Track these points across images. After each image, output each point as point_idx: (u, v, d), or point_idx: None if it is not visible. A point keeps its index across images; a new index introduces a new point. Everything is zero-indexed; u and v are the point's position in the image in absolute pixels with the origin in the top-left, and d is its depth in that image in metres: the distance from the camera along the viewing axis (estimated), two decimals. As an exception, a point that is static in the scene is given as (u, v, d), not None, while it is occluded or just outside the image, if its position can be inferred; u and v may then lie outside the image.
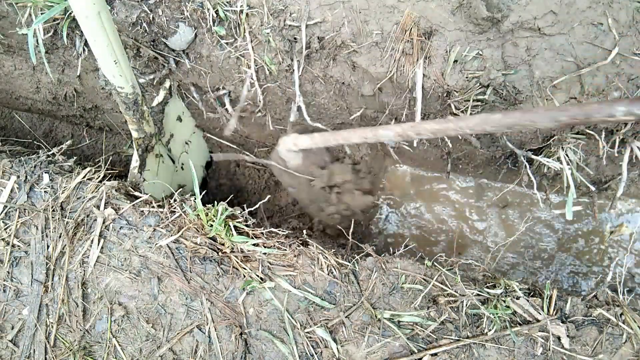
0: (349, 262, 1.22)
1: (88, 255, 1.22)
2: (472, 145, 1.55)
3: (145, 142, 1.48)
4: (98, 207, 1.27)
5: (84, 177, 1.34)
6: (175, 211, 1.29)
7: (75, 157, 1.45)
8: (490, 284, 1.24)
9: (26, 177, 1.32)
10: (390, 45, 1.32)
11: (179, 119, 1.75)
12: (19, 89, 1.89)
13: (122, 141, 2.18)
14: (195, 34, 1.42)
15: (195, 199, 1.24)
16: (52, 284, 1.21)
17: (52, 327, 1.18)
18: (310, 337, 1.12)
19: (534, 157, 1.43)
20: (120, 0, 1.33)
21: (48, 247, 1.23)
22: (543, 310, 1.13)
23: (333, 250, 1.28)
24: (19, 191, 1.30)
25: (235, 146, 1.90)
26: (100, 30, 1.03)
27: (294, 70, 1.43)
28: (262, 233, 1.26)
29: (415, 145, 1.54)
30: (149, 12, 1.35)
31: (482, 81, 1.29)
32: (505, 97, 1.32)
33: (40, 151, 1.40)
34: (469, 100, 1.33)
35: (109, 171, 1.41)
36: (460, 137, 1.53)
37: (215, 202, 1.26)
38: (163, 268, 1.20)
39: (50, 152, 1.42)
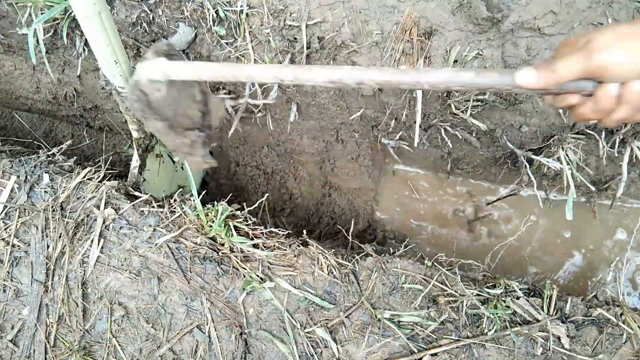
0: (349, 262, 1.22)
1: (88, 255, 1.22)
2: (472, 145, 1.55)
3: (145, 142, 1.48)
4: (98, 207, 1.27)
5: (84, 177, 1.34)
6: (175, 211, 1.29)
7: (75, 157, 1.45)
8: (490, 284, 1.24)
9: (26, 177, 1.32)
10: (390, 45, 1.32)
11: (179, 119, 1.75)
12: (19, 89, 1.89)
13: (122, 141, 2.18)
14: (195, 34, 1.42)
15: (194, 199, 1.24)
16: (52, 284, 1.21)
17: (52, 327, 1.19)
18: (310, 337, 1.12)
19: (534, 157, 1.43)
20: (120, 0, 1.33)
21: (48, 247, 1.23)
22: (543, 310, 1.13)
23: (333, 251, 1.28)
24: (19, 191, 1.30)
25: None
26: (101, 30, 1.02)
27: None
28: (262, 233, 1.26)
29: (415, 145, 1.54)
30: (149, 12, 1.35)
31: (482, 81, 1.29)
32: (506, 97, 1.32)
33: (40, 151, 1.40)
34: (469, 100, 1.34)
35: (109, 171, 1.41)
36: (461, 137, 1.53)
37: (215, 202, 1.27)
38: (163, 268, 1.20)
39: (50, 152, 1.42)
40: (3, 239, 1.25)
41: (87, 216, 1.26)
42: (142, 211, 1.27)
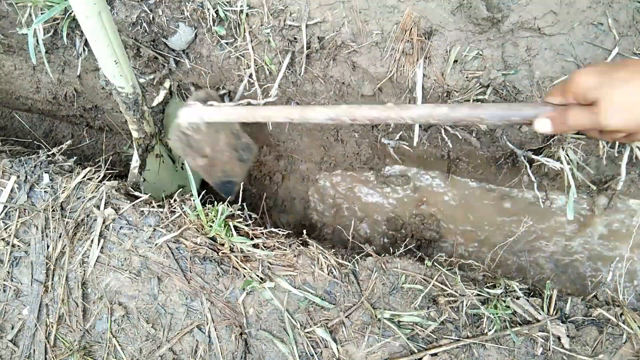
0: (349, 262, 1.22)
1: (88, 255, 1.22)
2: (472, 145, 1.55)
3: (145, 142, 1.48)
4: (98, 207, 1.27)
5: (84, 177, 1.34)
6: (175, 211, 1.29)
7: (75, 157, 1.45)
8: (490, 284, 1.24)
9: (26, 177, 1.32)
10: (390, 45, 1.32)
11: (179, 119, 1.75)
12: (19, 89, 1.89)
13: (122, 141, 2.18)
14: (195, 34, 1.42)
15: (194, 199, 1.24)
16: (52, 284, 1.21)
17: (52, 327, 1.19)
18: (310, 337, 1.12)
19: (534, 157, 1.43)
20: (120, 0, 1.33)
21: (48, 247, 1.23)
22: (543, 310, 1.13)
23: (333, 251, 1.28)
24: (19, 191, 1.30)
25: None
26: (101, 30, 1.03)
27: (284, 62, 1.43)
28: (262, 233, 1.26)
29: (415, 145, 1.54)
30: (149, 12, 1.35)
31: (482, 81, 1.29)
32: (506, 97, 1.32)
33: (40, 151, 1.40)
34: (469, 101, 1.33)
35: (109, 171, 1.41)
36: (461, 137, 1.53)
37: (215, 201, 1.27)
38: (163, 268, 1.20)
39: (50, 152, 1.42)
40: (3, 239, 1.25)
41: (87, 216, 1.26)
42: (142, 211, 1.27)
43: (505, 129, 1.46)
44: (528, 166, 1.45)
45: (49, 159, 1.39)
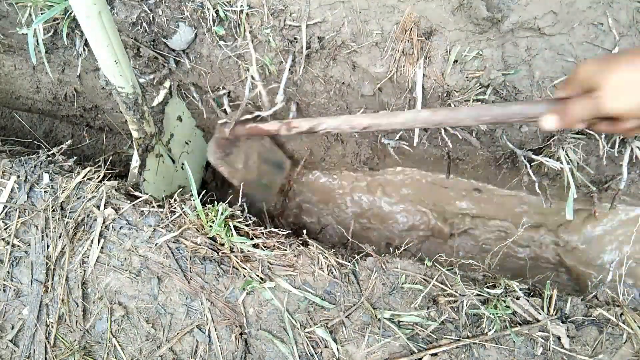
0: (349, 262, 1.22)
1: (88, 255, 1.22)
2: (472, 145, 1.55)
3: (145, 142, 1.48)
4: (98, 207, 1.27)
5: (84, 177, 1.34)
6: (175, 211, 1.29)
7: (75, 157, 1.45)
8: (490, 284, 1.24)
9: (26, 177, 1.32)
10: (391, 45, 1.32)
11: (179, 119, 1.75)
12: (19, 88, 1.89)
13: (122, 141, 2.18)
14: (195, 34, 1.42)
15: (194, 199, 1.24)
16: (52, 284, 1.21)
17: (52, 327, 1.18)
18: (310, 337, 1.12)
19: (534, 157, 1.43)
20: (120, 0, 1.33)
21: (48, 247, 1.23)
22: (543, 310, 1.13)
23: (333, 251, 1.28)
24: (19, 191, 1.30)
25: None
26: (101, 30, 1.03)
27: (286, 67, 1.43)
28: (262, 233, 1.26)
29: (415, 145, 1.54)
30: (149, 12, 1.35)
31: (482, 81, 1.29)
32: (506, 97, 1.32)
33: (40, 151, 1.40)
34: (469, 100, 1.33)
35: (109, 171, 1.41)
36: (461, 137, 1.53)
37: (216, 201, 1.26)
38: (163, 268, 1.20)
39: (50, 152, 1.42)
40: (3, 239, 1.25)
41: (87, 216, 1.26)
42: (142, 211, 1.27)
43: (505, 128, 1.46)
44: (528, 166, 1.45)
45: (49, 159, 1.39)
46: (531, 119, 0.96)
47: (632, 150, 1.36)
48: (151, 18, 1.36)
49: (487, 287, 1.18)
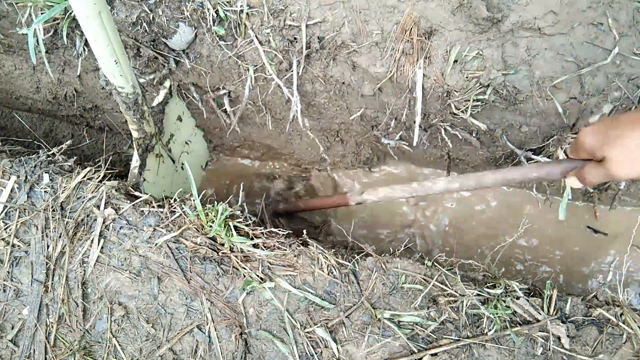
0: (349, 262, 1.22)
1: (88, 255, 1.22)
2: (472, 145, 1.55)
3: (145, 142, 1.48)
4: (98, 207, 1.27)
5: (84, 177, 1.34)
6: (175, 211, 1.29)
7: (75, 157, 1.45)
8: (490, 284, 1.24)
9: (26, 177, 1.32)
10: (391, 45, 1.32)
11: (179, 119, 1.75)
12: (19, 88, 1.89)
13: (122, 141, 2.18)
14: (195, 34, 1.42)
15: (194, 199, 1.24)
16: (52, 284, 1.21)
17: (52, 327, 1.18)
18: (310, 337, 1.12)
19: (534, 156, 1.43)
20: (120, 0, 1.33)
21: (48, 247, 1.23)
22: (543, 310, 1.13)
23: (333, 250, 1.28)
24: (19, 191, 1.30)
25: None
26: (101, 30, 1.02)
27: (293, 69, 1.43)
28: (262, 233, 1.26)
29: (415, 144, 1.54)
30: (149, 12, 1.35)
31: (482, 81, 1.29)
32: (506, 97, 1.32)
33: (40, 151, 1.40)
34: (469, 100, 1.33)
35: (109, 171, 1.41)
36: (461, 137, 1.53)
37: (216, 201, 1.26)
38: (163, 268, 1.20)
39: (50, 152, 1.42)
40: (3, 239, 1.25)
41: (87, 216, 1.26)
42: (142, 211, 1.27)
43: (505, 128, 1.46)
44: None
45: (49, 159, 1.39)
46: (549, 180, 1.04)
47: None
48: (151, 18, 1.36)
49: (487, 287, 1.18)
